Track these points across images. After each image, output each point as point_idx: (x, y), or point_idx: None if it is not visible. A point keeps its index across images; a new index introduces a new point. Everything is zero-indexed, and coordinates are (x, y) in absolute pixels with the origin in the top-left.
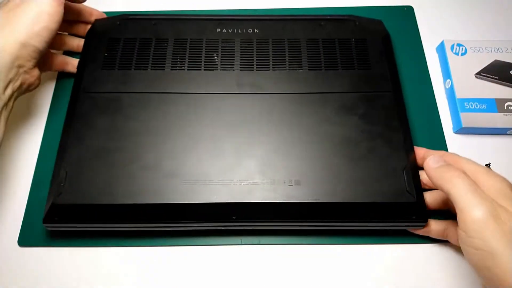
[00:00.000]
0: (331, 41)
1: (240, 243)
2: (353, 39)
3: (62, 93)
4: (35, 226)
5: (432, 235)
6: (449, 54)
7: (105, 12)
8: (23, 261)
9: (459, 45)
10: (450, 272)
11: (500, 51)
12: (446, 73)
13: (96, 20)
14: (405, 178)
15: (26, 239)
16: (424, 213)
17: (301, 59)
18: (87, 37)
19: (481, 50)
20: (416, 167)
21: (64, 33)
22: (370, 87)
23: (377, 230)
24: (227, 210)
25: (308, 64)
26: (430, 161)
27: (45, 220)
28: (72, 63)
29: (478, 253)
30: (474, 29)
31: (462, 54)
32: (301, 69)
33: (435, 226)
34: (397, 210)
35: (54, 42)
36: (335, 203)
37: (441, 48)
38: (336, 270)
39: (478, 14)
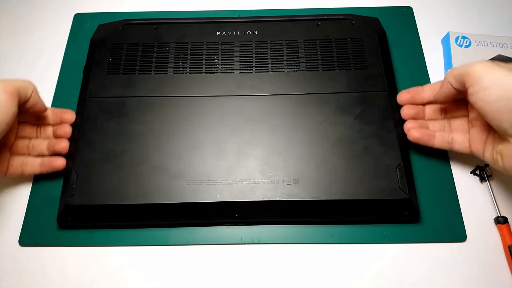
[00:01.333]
0: (328, 41)
1: (240, 242)
2: (349, 39)
3: (63, 95)
4: (36, 226)
5: (437, 146)
6: (453, 46)
7: (107, 13)
8: (24, 260)
9: (464, 37)
10: (449, 271)
11: (505, 46)
12: (448, 64)
13: (99, 25)
14: (398, 176)
15: (27, 238)
16: (416, 209)
17: (298, 60)
18: (91, 43)
19: (486, 44)
20: (409, 165)
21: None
22: (365, 87)
23: (374, 229)
24: (230, 208)
25: (306, 65)
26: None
27: (59, 220)
28: (32, 164)
29: (495, 101)
30: (478, 26)
31: (466, 47)
32: (299, 70)
33: (438, 138)
34: (390, 206)
35: (15, 147)
36: (332, 200)
37: (445, 40)
38: (336, 269)
39: (483, 10)
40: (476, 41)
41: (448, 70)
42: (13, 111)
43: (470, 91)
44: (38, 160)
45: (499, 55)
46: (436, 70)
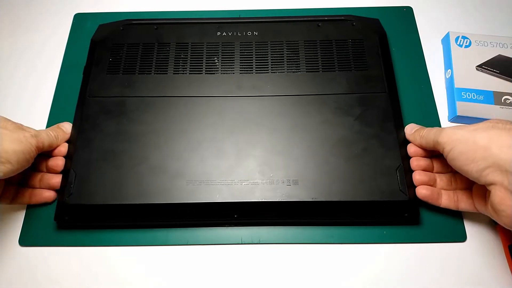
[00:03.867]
0: (328, 42)
1: (240, 242)
2: (350, 40)
3: (63, 95)
4: (36, 226)
5: (444, 205)
6: (453, 46)
7: (107, 13)
8: (24, 260)
9: (464, 37)
10: (449, 271)
11: (505, 46)
12: (448, 63)
13: (100, 25)
14: (398, 177)
15: (27, 238)
16: (416, 211)
17: (299, 61)
18: (92, 43)
19: (486, 44)
20: (409, 166)
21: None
22: (366, 88)
23: (374, 229)
24: (229, 209)
25: (306, 66)
26: (407, 129)
27: (56, 219)
28: (22, 193)
29: (458, 157)
30: (478, 26)
31: (466, 47)
32: (299, 71)
33: (445, 196)
34: (390, 208)
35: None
36: (331, 201)
37: (446, 40)
38: (336, 269)
39: (483, 10)
40: (476, 41)
41: (415, 131)
42: (31, 161)
43: (444, 155)
44: (28, 190)
45: (499, 55)
46: (436, 70)
